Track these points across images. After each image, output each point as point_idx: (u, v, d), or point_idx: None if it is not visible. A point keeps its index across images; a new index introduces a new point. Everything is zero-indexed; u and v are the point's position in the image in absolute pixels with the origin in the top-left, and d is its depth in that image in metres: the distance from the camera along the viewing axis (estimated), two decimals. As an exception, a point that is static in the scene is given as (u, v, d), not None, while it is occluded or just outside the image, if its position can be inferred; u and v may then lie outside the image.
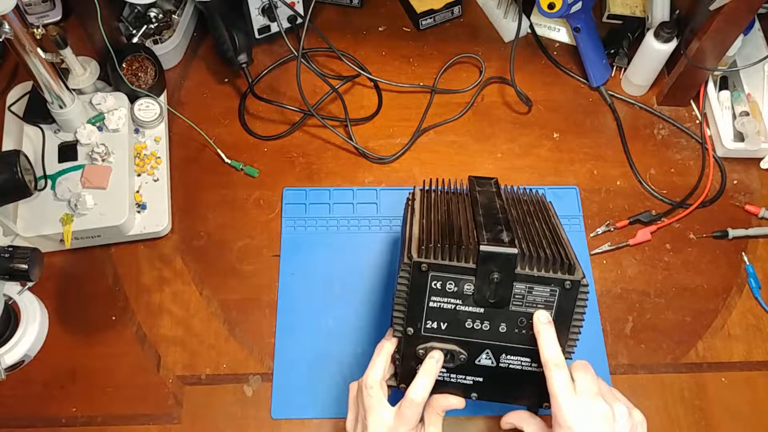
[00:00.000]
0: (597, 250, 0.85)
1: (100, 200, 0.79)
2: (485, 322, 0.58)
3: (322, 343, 0.78)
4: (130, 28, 0.95)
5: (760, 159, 0.91)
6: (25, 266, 0.65)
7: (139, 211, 0.83)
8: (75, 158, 0.81)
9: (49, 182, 0.79)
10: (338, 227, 0.85)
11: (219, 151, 0.89)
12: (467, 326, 0.58)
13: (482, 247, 0.55)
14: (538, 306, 0.57)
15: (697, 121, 0.95)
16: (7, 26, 0.66)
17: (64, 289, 0.81)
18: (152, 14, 0.95)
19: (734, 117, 0.92)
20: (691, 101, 0.96)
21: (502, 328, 0.58)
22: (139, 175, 0.85)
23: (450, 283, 0.57)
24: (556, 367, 0.54)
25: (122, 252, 0.83)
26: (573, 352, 0.59)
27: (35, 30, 0.70)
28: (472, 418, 0.74)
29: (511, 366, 0.59)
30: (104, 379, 0.75)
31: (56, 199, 0.79)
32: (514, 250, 0.55)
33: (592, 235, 0.86)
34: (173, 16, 0.97)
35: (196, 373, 0.76)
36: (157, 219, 0.83)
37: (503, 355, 0.59)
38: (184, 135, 0.91)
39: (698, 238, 0.86)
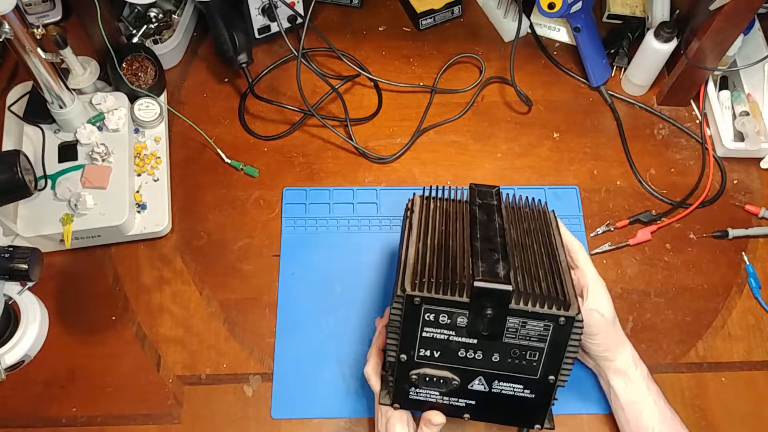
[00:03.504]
0: (597, 250, 0.85)
1: (100, 200, 0.79)
2: (478, 351, 0.58)
3: (322, 342, 0.78)
4: (130, 28, 0.95)
5: (760, 159, 0.91)
6: (25, 266, 0.64)
7: (139, 211, 0.83)
8: (75, 158, 0.81)
9: (49, 182, 0.79)
10: (338, 227, 0.85)
11: (219, 151, 0.89)
12: (460, 355, 0.59)
13: (476, 283, 0.55)
14: (531, 339, 0.57)
15: (697, 121, 0.95)
16: (7, 26, 0.66)
17: (64, 289, 0.81)
18: (152, 14, 0.95)
19: (734, 117, 0.92)
20: (691, 101, 0.96)
21: (495, 357, 0.58)
22: (139, 175, 0.85)
23: (443, 316, 0.57)
24: (579, 247, 0.70)
25: (122, 252, 0.83)
26: (566, 380, 0.59)
27: (35, 30, 0.70)
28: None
29: (503, 391, 0.60)
30: (104, 379, 0.75)
31: (56, 199, 0.79)
32: (509, 287, 0.55)
33: (592, 235, 0.86)
34: (173, 16, 0.97)
35: (196, 373, 0.76)
36: (157, 219, 0.83)
37: (496, 381, 0.60)
38: (184, 135, 0.91)
39: (698, 237, 0.86)
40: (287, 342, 0.78)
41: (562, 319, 0.56)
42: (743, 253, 0.85)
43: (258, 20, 0.95)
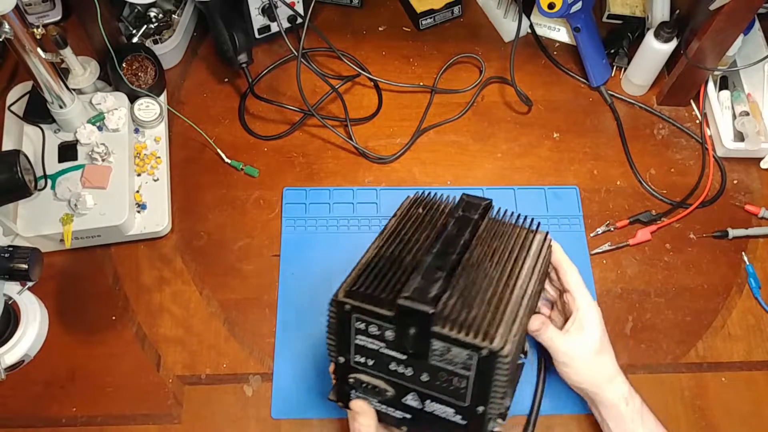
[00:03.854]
0: (597, 250, 0.85)
1: (100, 200, 0.79)
2: (408, 367, 0.57)
3: (322, 342, 0.77)
4: (130, 28, 0.95)
5: (760, 159, 0.91)
6: (25, 266, 0.65)
7: (139, 211, 0.83)
8: (75, 158, 0.81)
9: (49, 182, 0.79)
10: (338, 227, 0.85)
11: (219, 151, 0.89)
12: (391, 368, 0.58)
13: (399, 301, 0.54)
14: (457, 365, 0.54)
15: (697, 121, 0.95)
16: (7, 26, 0.66)
17: (64, 289, 0.81)
18: (152, 14, 0.95)
19: (734, 117, 0.92)
20: (691, 101, 0.96)
21: (424, 377, 0.57)
22: (139, 175, 0.85)
23: (372, 327, 0.57)
24: (570, 267, 0.67)
25: (122, 252, 0.83)
26: (500, 415, 0.56)
27: (35, 30, 0.70)
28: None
29: (435, 412, 0.58)
30: (104, 379, 0.75)
31: (56, 199, 0.79)
32: (429, 310, 0.53)
33: (592, 235, 0.86)
34: (173, 16, 0.97)
35: (196, 373, 0.76)
36: (157, 219, 0.83)
37: (428, 400, 0.58)
38: (184, 135, 0.91)
39: (698, 238, 0.86)
40: (287, 342, 0.78)
41: (485, 351, 0.52)
42: (743, 253, 0.85)
43: (258, 20, 0.95)
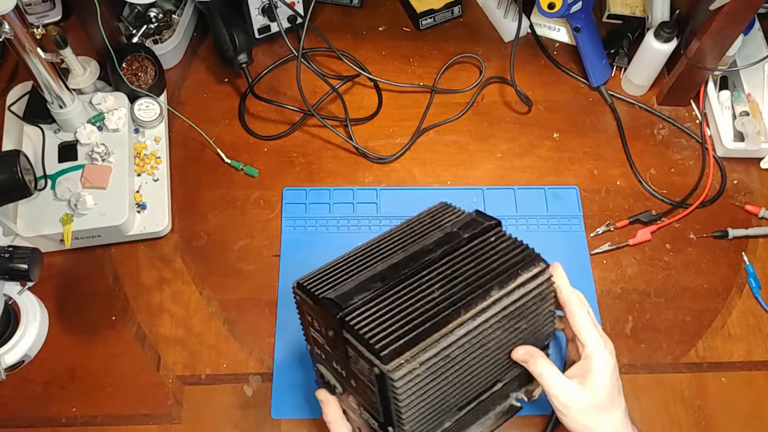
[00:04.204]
0: (597, 250, 0.85)
1: (100, 200, 0.79)
2: (343, 369, 0.57)
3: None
4: (130, 28, 0.95)
5: (760, 159, 0.91)
6: (25, 266, 0.64)
7: (139, 211, 0.83)
8: (75, 158, 0.81)
9: (49, 182, 0.79)
10: (338, 227, 0.85)
11: (219, 151, 0.89)
12: (333, 365, 0.59)
13: (320, 298, 0.54)
14: (365, 377, 0.53)
15: (697, 121, 0.95)
16: (7, 26, 0.66)
17: (64, 289, 0.81)
18: (152, 14, 0.95)
19: (734, 117, 0.92)
20: (691, 101, 0.96)
21: (353, 382, 0.57)
22: (139, 175, 0.85)
23: (315, 321, 0.58)
24: (578, 306, 0.60)
25: (122, 252, 0.83)
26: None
27: (35, 30, 0.70)
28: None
29: (369, 421, 0.58)
30: (104, 379, 0.75)
31: (56, 199, 0.79)
32: (337, 313, 0.52)
33: (592, 235, 0.86)
34: (173, 16, 0.97)
35: (196, 373, 0.76)
36: (157, 219, 0.83)
37: (361, 408, 0.58)
38: (184, 135, 0.91)
39: (698, 238, 0.86)
40: (287, 342, 0.78)
41: (377, 369, 0.50)
42: (743, 253, 0.85)
43: (258, 20, 0.95)
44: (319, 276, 0.58)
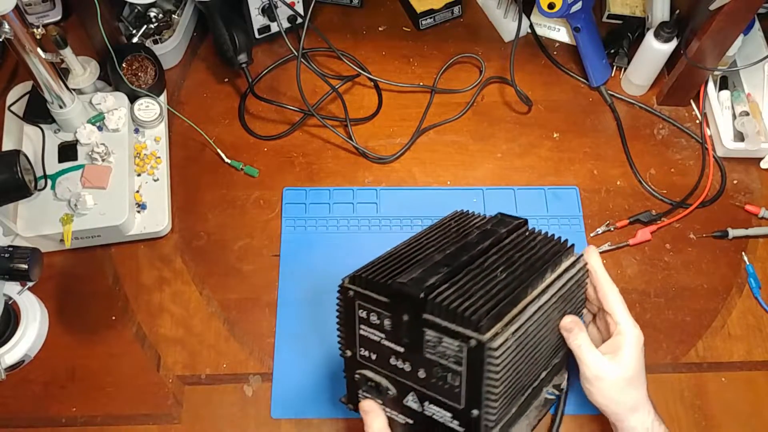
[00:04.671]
0: (597, 250, 0.84)
1: (100, 200, 0.79)
2: (406, 362, 0.56)
3: (322, 342, 0.78)
4: (130, 28, 0.95)
5: (760, 159, 0.91)
6: (25, 266, 0.65)
7: (139, 211, 0.83)
8: (75, 158, 0.81)
9: (49, 182, 0.79)
10: (338, 227, 0.85)
11: (219, 151, 0.89)
12: (392, 362, 0.57)
13: (393, 284, 0.53)
14: (449, 359, 0.52)
15: (697, 121, 0.95)
16: (7, 26, 0.66)
17: (64, 289, 0.81)
18: (152, 14, 0.95)
19: (734, 117, 0.92)
20: (691, 101, 0.96)
21: (421, 373, 0.55)
22: (139, 175, 0.85)
23: (373, 315, 0.56)
24: (611, 287, 0.63)
25: (122, 252, 0.83)
26: (492, 412, 0.53)
27: (35, 30, 0.70)
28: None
29: (434, 416, 0.56)
30: (104, 379, 0.75)
31: (56, 199, 0.79)
32: (418, 294, 0.52)
33: (592, 235, 0.86)
34: (173, 16, 0.97)
35: (196, 373, 0.76)
36: (157, 219, 0.83)
37: (426, 402, 0.56)
38: (184, 135, 0.91)
39: (698, 238, 0.86)
40: (287, 341, 0.78)
41: (473, 341, 0.50)
42: (743, 253, 0.85)
43: (258, 20, 0.95)
44: (374, 269, 0.57)
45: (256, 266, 0.83)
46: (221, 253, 0.83)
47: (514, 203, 0.87)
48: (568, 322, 0.61)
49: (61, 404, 0.74)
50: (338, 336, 0.60)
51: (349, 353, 0.60)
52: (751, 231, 0.86)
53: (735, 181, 0.91)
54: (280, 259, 0.83)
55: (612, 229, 0.86)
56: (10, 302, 0.75)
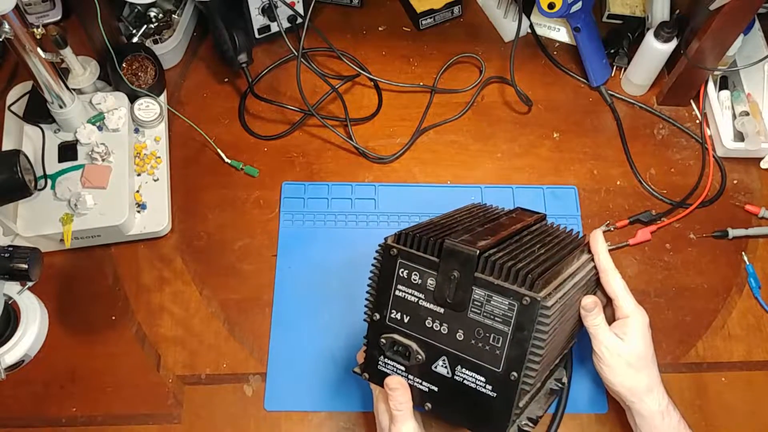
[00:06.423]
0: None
1: (100, 200, 0.79)
2: (444, 324, 0.56)
3: (317, 337, 0.78)
4: (130, 28, 0.95)
5: (760, 159, 0.91)
6: (25, 266, 0.64)
7: (139, 211, 0.83)
8: (75, 158, 0.81)
9: (49, 182, 0.79)
10: (336, 222, 0.85)
11: (219, 150, 0.89)
12: (427, 324, 0.57)
13: (446, 242, 0.54)
14: (496, 318, 0.54)
15: (697, 121, 0.95)
16: (7, 26, 0.66)
17: (64, 289, 0.81)
18: (152, 14, 0.95)
19: (734, 117, 0.92)
20: (691, 101, 0.96)
21: (460, 335, 0.56)
22: (139, 174, 0.85)
23: (415, 274, 0.56)
24: (614, 272, 0.65)
25: (122, 252, 0.83)
26: (532, 375, 0.54)
27: (35, 30, 0.70)
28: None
29: (465, 381, 0.56)
30: (104, 379, 0.75)
31: (56, 199, 0.79)
32: (474, 251, 0.53)
33: (592, 234, 0.86)
34: (173, 16, 0.97)
35: (196, 373, 0.76)
36: (157, 219, 0.83)
37: (458, 366, 0.56)
38: (184, 135, 0.91)
39: (698, 238, 0.86)
40: (282, 335, 0.78)
41: (527, 299, 0.52)
42: (743, 253, 0.85)
43: (258, 20, 0.95)
44: (419, 231, 0.58)
45: (256, 266, 0.83)
46: (221, 253, 0.83)
47: (513, 202, 0.87)
48: (590, 302, 0.63)
49: (61, 404, 0.74)
50: (368, 299, 0.60)
51: (377, 316, 0.59)
52: (751, 231, 0.86)
53: (735, 181, 0.91)
54: (277, 252, 0.83)
55: (612, 229, 0.86)
56: (10, 302, 0.75)
